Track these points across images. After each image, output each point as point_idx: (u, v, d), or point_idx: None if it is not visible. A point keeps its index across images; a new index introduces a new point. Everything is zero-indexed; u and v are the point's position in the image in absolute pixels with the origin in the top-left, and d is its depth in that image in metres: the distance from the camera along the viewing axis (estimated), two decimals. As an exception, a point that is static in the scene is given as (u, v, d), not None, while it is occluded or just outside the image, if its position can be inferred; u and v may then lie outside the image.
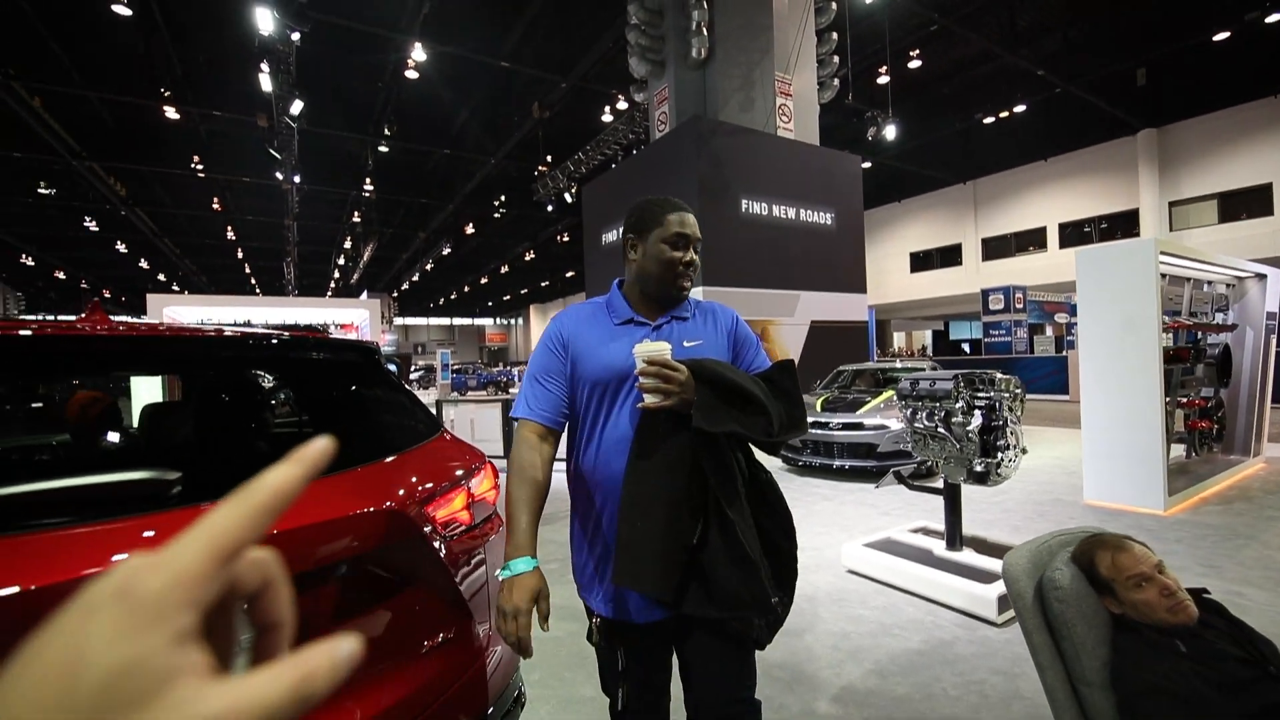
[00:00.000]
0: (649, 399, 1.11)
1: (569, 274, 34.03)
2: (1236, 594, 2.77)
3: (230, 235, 25.06)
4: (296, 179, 16.21)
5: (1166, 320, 4.32)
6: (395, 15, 11.25)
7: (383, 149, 16.99)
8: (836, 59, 9.25)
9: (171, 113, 14.19)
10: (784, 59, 8.59)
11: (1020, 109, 14.68)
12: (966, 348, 21.74)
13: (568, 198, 15.31)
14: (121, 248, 25.38)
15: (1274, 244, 14.10)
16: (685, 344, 1.23)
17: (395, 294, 36.29)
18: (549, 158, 16.93)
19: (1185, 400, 4.90)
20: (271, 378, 1.69)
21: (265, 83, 9.39)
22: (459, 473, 1.42)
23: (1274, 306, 5.33)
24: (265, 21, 7.63)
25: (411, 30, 11.39)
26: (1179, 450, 5.09)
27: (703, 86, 8.69)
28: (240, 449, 1.41)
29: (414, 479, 1.31)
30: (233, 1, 9.86)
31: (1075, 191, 17.07)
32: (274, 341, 1.35)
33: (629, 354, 1.16)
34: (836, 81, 9.25)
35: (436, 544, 1.28)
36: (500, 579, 1.06)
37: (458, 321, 50.83)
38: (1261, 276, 5.29)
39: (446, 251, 25.83)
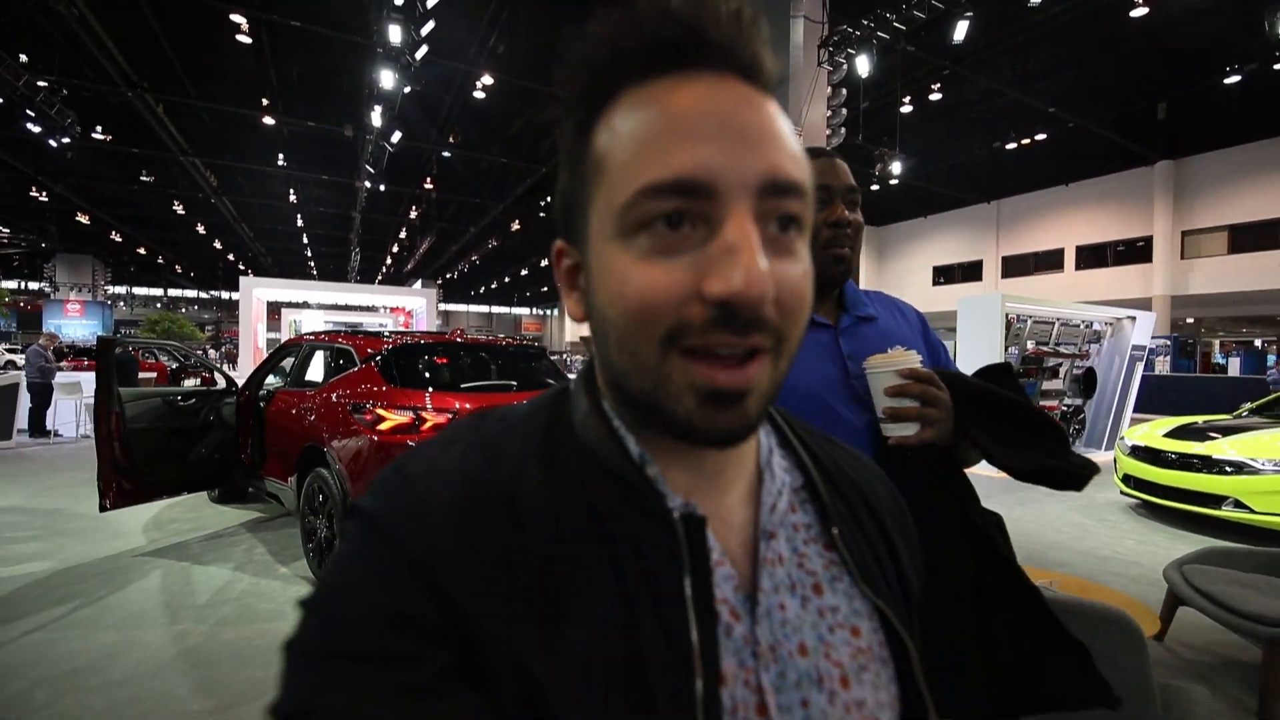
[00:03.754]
0: (896, 430, 0.80)
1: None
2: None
3: (299, 223, 28.48)
4: (368, 184, 19.06)
5: (1030, 348, 6.35)
6: (468, 46, 13.74)
7: (445, 154, 19.71)
8: (845, 110, 11.30)
9: (268, 120, 17.15)
10: (796, 112, 10.72)
11: (1041, 137, 16.24)
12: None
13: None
14: (201, 230, 29.11)
15: (1278, 277, 15.35)
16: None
17: (440, 281, 39.48)
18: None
19: (1044, 406, 6.91)
20: (500, 359, 4.03)
21: (376, 118, 11.97)
22: None
23: (1141, 341, 7.21)
24: (386, 79, 10.17)
25: (480, 60, 13.89)
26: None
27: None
28: (509, 378, 3.74)
29: None
30: (332, 27, 12.46)
31: (1093, 216, 18.42)
32: (506, 345, 3.74)
33: (832, 369, 0.88)
34: (844, 130, 11.29)
35: None
36: None
37: (496, 310, 54.05)
38: (1133, 318, 7.20)
39: (494, 244, 28.61)
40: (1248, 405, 5.48)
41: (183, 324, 26.79)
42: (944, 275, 22.46)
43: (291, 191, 24.03)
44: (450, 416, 3.06)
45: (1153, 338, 16.50)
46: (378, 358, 3.31)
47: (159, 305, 41.77)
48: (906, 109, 14.77)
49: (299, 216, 27.46)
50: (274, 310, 21.37)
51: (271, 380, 4.38)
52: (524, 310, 54.91)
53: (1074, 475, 0.81)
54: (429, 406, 3.07)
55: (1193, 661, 2.63)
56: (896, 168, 12.63)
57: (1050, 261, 19.38)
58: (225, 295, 41.23)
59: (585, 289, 0.36)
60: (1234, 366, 17.05)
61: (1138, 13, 10.85)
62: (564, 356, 32.66)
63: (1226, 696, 2.34)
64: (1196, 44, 12.60)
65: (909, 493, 0.74)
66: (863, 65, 9.50)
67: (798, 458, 0.42)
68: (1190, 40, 12.60)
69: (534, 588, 0.31)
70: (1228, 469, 4.25)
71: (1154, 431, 5.00)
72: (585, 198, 0.34)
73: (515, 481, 0.34)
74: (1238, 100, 13.83)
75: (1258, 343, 24.94)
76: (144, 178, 22.60)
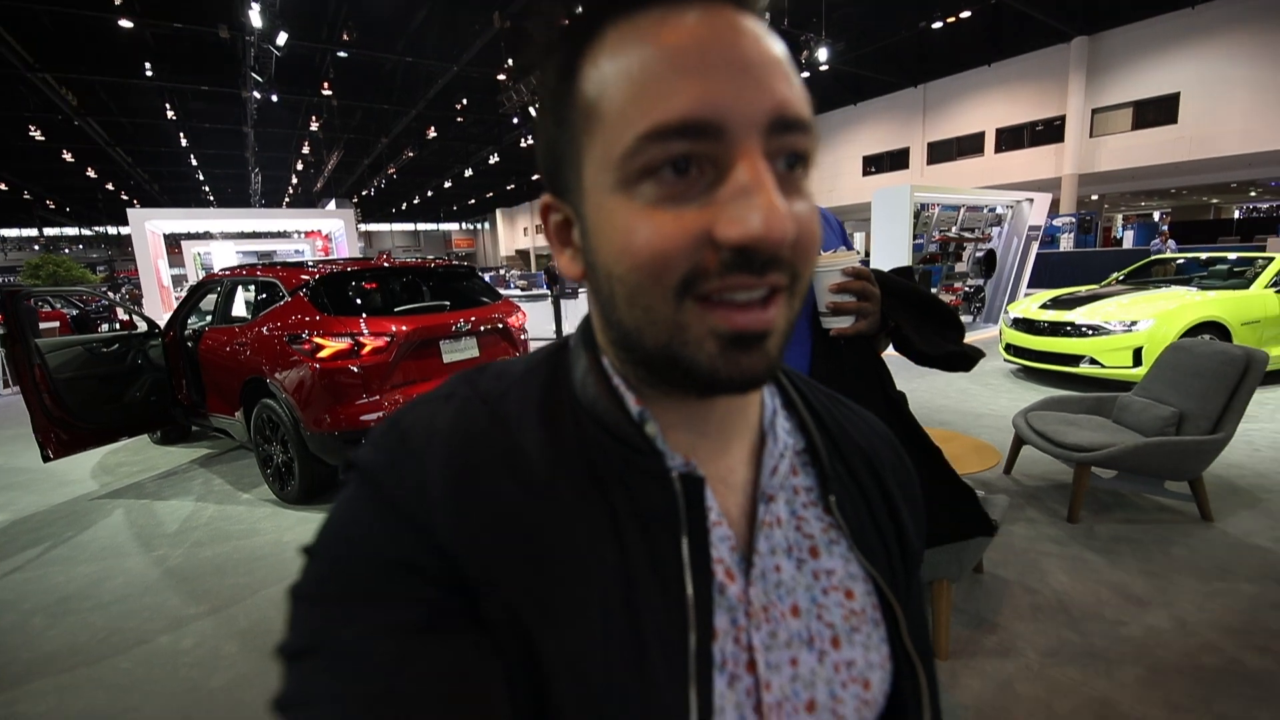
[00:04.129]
0: (839, 323, 0.93)
1: (534, 176, 35.03)
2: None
3: (183, 143, 25.64)
4: (257, 94, 17.22)
5: (937, 234, 6.88)
6: None
7: (341, 55, 17.89)
8: (766, -8, 10.98)
9: (124, 23, 14.98)
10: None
11: (965, 15, 16.20)
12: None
13: (532, 111, 16.71)
14: (69, 157, 25.85)
15: (1176, 151, 16.47)
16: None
17: (356, 200, 37.01)
18: (511, 64, 18.02)
19: (949, 286, 7.63)
20: (431, 281, 4.10)
21: (255, 18, 10.71)
22: (512, 312, 3.96)
23: (1037, 221, 7.89)
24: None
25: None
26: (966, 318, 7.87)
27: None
28: (441, 298, 3.78)
29: (499, 310, 3.80)
30: None
31: (1013, 97, 18.88)
32: (435, 266, 3.87)
33: None
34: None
35: (515, 326, 3.83)
36: None
37: (423, 227, 51.46)
38: (1030, 199, 7.82)
39: (409, 155, 26.80)
40: (1116, 275, 6.24)
41: (70, 266, 24.35)
42: (874, 165, 22.84)
43: (168, 107, 21.42)
44: (387, 339, 3.24)
45: (1058, 216, 17.68)
46: (306, 288, 3.38)
47: (35, 248, 37.60)
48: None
49: (182, 135, 24.70)
50: (173, 244, 19.78)
51: (192, 319, 4.35)
52: (453, 226, 52.53)
53: (967, 357, 1.01)
54: (365, 331, 3.23)
55: (1030, 487, 3.30)
56: (823, 53, 12.50)
57: (972, 146, 19.98)
58: (113, 230, 37.41)
59: (581, 245, 0.35)
60: (1128, 240, 18.62)
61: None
62: (500, 271, 31.94)
63: (1047, 509, 3.01)
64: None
65: (843, 376, 0.92)
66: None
67: (800, 419, 0.42)
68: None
69: (532, 542, 0.32)
70: (1086, 331, 4.97)
71: (1031, 304, 5.69)
72: (576, 148, 0.32)
73: (513, 437, 0.34)
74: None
75: (1156, 215, 27.07)
76: (-16, 100, 19.65)
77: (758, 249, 0.29)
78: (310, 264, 3.80)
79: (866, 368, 1.00)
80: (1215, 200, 25.29)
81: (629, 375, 0.37)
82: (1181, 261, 6.31)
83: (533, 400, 0.36)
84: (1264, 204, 25.80)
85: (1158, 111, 16.59)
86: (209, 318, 4.37)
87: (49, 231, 38.98)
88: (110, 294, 7.68)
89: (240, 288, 4.32)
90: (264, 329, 3.42)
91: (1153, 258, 6.53)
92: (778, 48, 0.31)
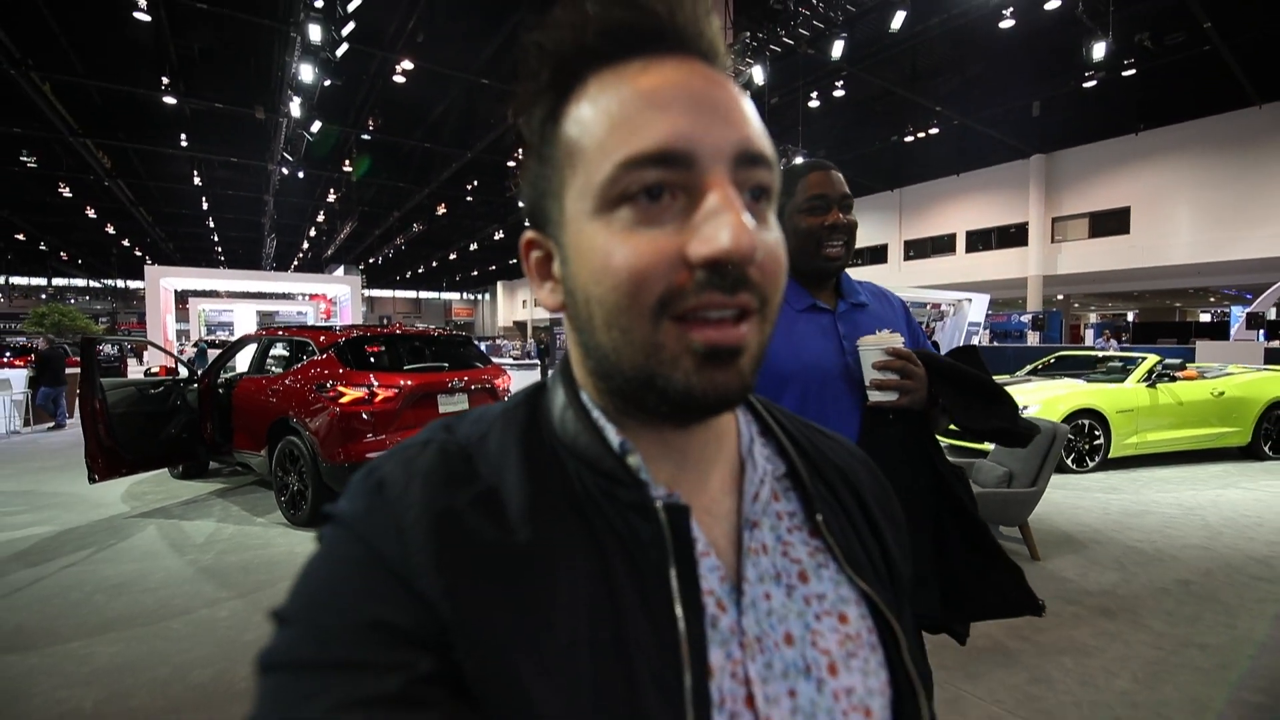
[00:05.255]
0: (879, 396, 1.05)
1: (537, 253, 36.90)
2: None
3: (204, 206, 27.44)
4: (284, 170, 18.92)
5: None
6: (386, 32, 14.04)
7: (364, 136, 19.77)
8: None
9: (169, 99, 16.69)
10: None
11: (934, 131, 18.27)
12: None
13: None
14: (92, 214, 27.52)
15: (1129, 258, 18.07)
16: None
17: (363, 266, 38.78)
18: (521, 154, 19.89)
19: None
20: (433, 346, 4.97)
21: (295, 109, 12.25)
22: (499, 375, 4.81)
23: (976, 318, 9.00)
24: (306, 73, 10.55)
25: (398, 45, 14.23)
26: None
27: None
28: (441, 360, 4.64)
29: (489, 374, 4.65)
30: (239, 8, 12.45)
31: (980, 203, 20.83)
32: (438, 334, 4.76)
33: (831, 346, 1.12)
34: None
35: (500, 387, 4.65)
36: None
37: (424, 295, 53.29)
38: (970, 299, 8.96)
39: (419, 228, 28.62)
40: (1029, 366, 7.20)
41: (75, 316, 25.43)
42: (857, 257, 24.64)
43: (195, 173, 23.23)
44: (396, 390, 4.08)
45: (1020, 314, 18.95)
46: (334, 347, 4.26)
47: (43, 296, 38.87)
48: (814, 103, 16.37)
49: (204, 200, 26.50)
50: (180, 299, 20.88)
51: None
52: (454, 295, 54.40)
53: (1019, 435, 1.10)
54: (376, 383, 4.07)
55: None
56: (800, 160, 14.05)
57: (945, 244, 21.74)
58: (120, 284, 38.89)
59: (561, 276, 0.37)
60: (1089, 337, 19.89)
61: (1005, 24, 12.65)
62: (496, 341, 33.16)
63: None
64: (1063, 47, 14.59)
65: (888, 444, 1.05)
66: (758, 74, 10.69)
67: (779, 445, 0.43)
68: (1058, 43, 14.60)
69: (516, 584, 0.31)
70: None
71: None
72: (558, 183, 0.35)
73: (493, 478, 0.34)
74: (1096, 101, 16.15)
75: (1130, 315, 28.77)
76: (24, 158, 21.34)
77: (727, 264, 0.31)
78: (337, 329, 4.69)
79: (913, 442, 1.11)
80: (1178, 304, 27.00)
81: (608, 407, 0.37)
82: (1103, 357, 7.28)
83: (512, 440, 0.37)
84: (1227, 309, 27.50)
85: (1111, 222, 18.36)
86: (233, 370, 5.22)
87: (58, 281, 40.49)
88: (188, 348, 8.45)
89: (276, 345, 5.20)
90: (299, 377, 4.26)
91: (1060, 353, 7.52)
92: (742, 96, 0.35)
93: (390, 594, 0.30)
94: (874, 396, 1.05)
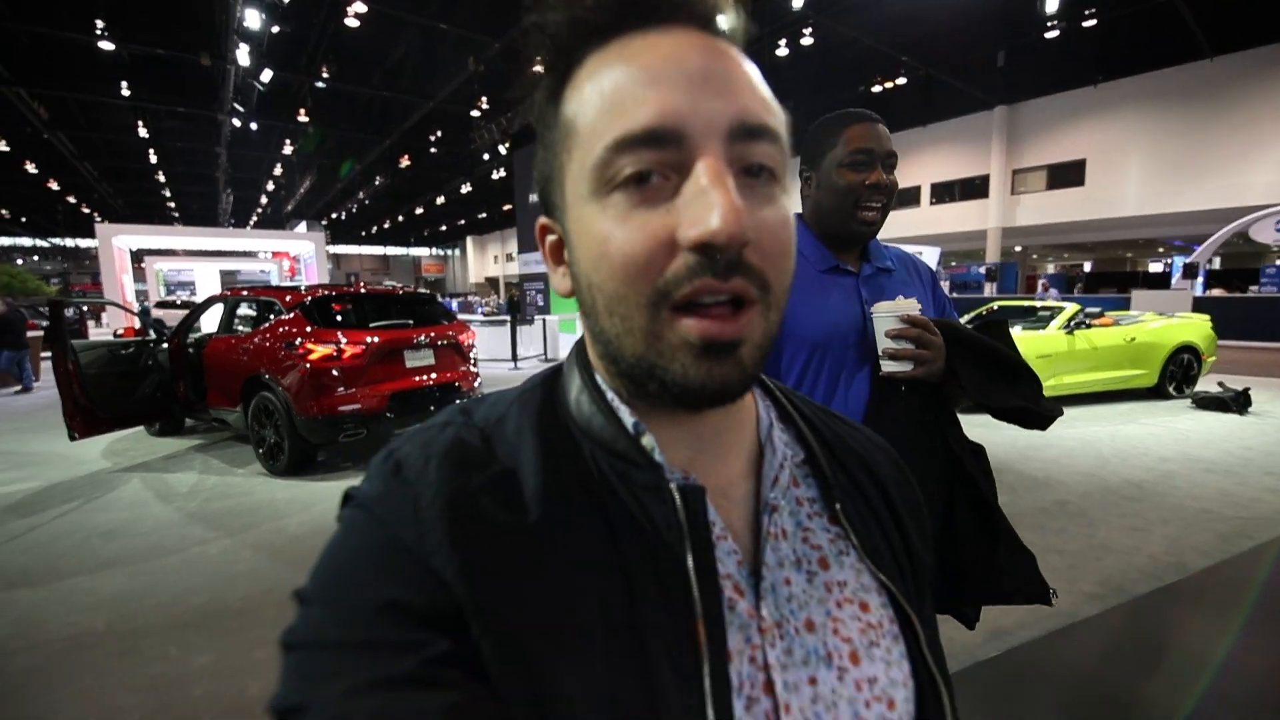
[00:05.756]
0: (892, 366, 0.99)
1: (506, 207, 36.40)
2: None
3: (153, 159, 26.26)
4: (236, 121, 18.20)
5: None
6: None
7: (318, 85, 19.03)
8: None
9: (106, 45, 15.78)
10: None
11: (901, 81, 18.33)
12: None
13: (501, 150, 18.02)
14: (32, 168, 26.15)
15: (1084, 210, 18.67)
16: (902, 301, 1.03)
17: (325, 222, 37.75)
18: (485, 104, 19.43)
19: None
20: (399, 304, 5.07)
21: (243, 56, 11.81)
22: (464, 331, 5.06)
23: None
24: (253, 19, 10.18)
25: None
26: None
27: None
28: (406, 317, 4.85)
29: (454, 329, 4.89)
30: None
31: (944, 156, 21.13)
32: (403, 293, 4.97)
33: (852, 311, 1.06)
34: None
35: (465, 343, 4.92)
36: None
37: (392, 251, 52.13)
38: (921, 252, 9.37)
39: (382, 181, 27.91)
40: (970, 314, 7.67)
41: (26, 278, 24.42)
42: (824, 210, 24.98)
43: (141, 124, 22.15)
44: (363, 347, 4.33)
45: (982, 266, 19.57)
46: (301, 306, 4.46)
47: (-15, 256, 37.11)
48: (783, 52, 16.30)
49: (151, 152, 25.34)
50: (136, 259, 20.26)
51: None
52: (423, 251, 53.32)
53: (1040, 416, 1.01)
54: (343, 341, 4.31)
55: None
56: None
57: (910, 197, 22.09)
58: (70, 243, 37.26)
59: (569, 261, 0.36)
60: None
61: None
62: (468, 298, 32.91)
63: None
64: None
65: (900, 418, 1.00)
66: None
67: (798, 431, 0.43)
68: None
69: (532, 567, 0.31)
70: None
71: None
72: (560, 166, 0.35)
73: (509, 461, 0.35)
74: (1058, 52, 16.36)
75: (1087, 266, 29.76)
76: (-51, 109, 20.07)
77: (716, 246, 0.30)
78: (302, 288, 4.87)
79: (928, 416, 1.04)
80: (1130, 255, 28.01)
81: (621, 389, 0.37)
82: (1039, 307, 7.79)
83: (528, 423, 0.37)
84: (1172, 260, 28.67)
85: (1068, 174, 18.87)
86: (201, 331, 5.38)
87: (2, 241, 38.59)
88: (151, 310, 8.40)
89: (243, 304, 5.36)
90: (268, 336, 4.47)
91: (999, 303, 8.03)
92: (744, 64, 0.34)
93: (406, 575, 0.31)
94: (886, 366, 1.00)
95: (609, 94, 0.32)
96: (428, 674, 0.28)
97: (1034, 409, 1.02)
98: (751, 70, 0.34)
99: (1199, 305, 11.41)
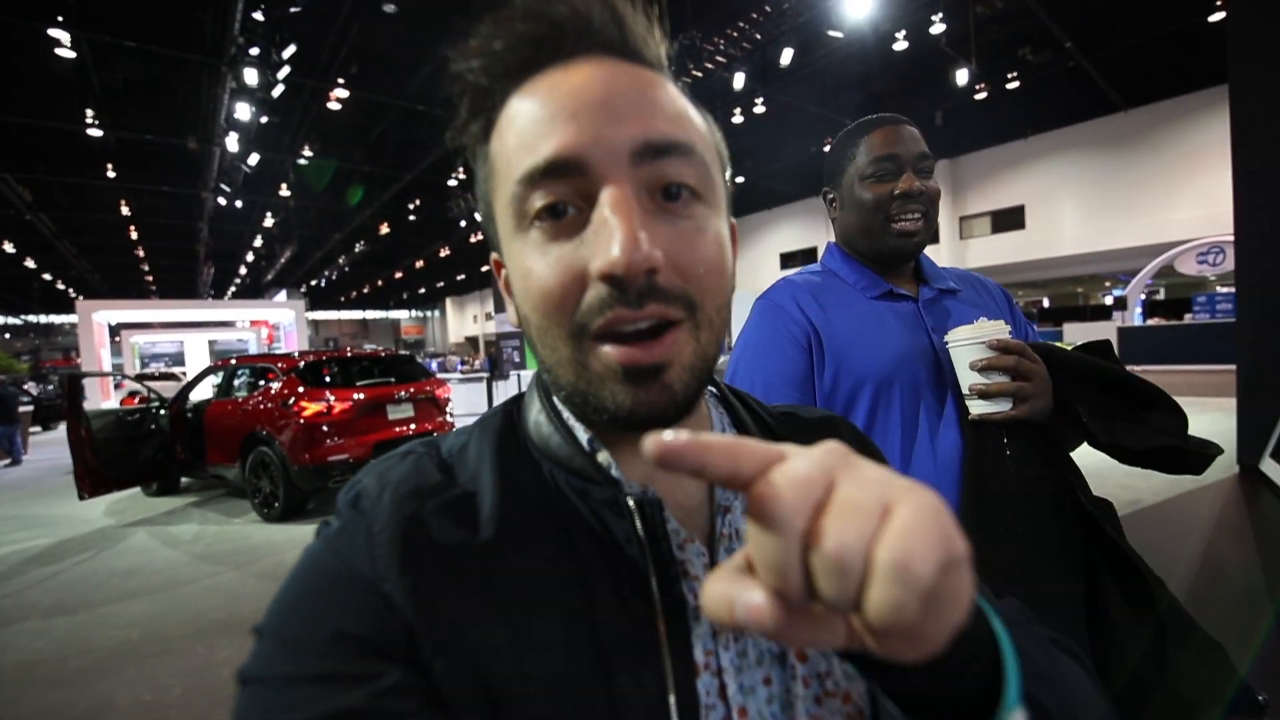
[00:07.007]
0: (984, 407, 0.80)
1: (484, 268, 37.53)
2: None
3: (133, 236, 27.06)
4: (222, 200, 19.16)
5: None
6: (318, 56, 14.60)
7: (300, 160, 20.17)
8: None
9: (94, 132, 16.73)
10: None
11: (849, 140, 20.01)
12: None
13: (478, 216, 19.03)
14: (9, 249, 26.76)
15: (1027, 250, 20.17)
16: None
17: (305, 289, 38.54)
18: (461, 173, 20.64)
19: None
20: (381, 365, 5.82)
21: (232, 144, 12.82)
22: (440, 386, 5.77)
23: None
24: (242, 111, 11.19)
25: (330, 72, 14.82)
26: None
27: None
28: (388, 376, 5.54)
29: (431, 385, 5.60)
30: (166, 44, 12.81)
31: (896, 206, 22.85)
32: (385, 355, 5.71)
33: (917, 342, 0.89)
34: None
35: (441, 397, 5.63)
36: None
37: (371, 315, 52.88)
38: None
39: (362, 248, 28.91)
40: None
41: (-1, 356, 24.73)
42: (789, 260, 26.35)
43: (124, 204, 23.04)
44: (351, 403, 5.01)
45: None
46: (294, 370, 5.16)
47: (-46, 336, 37.08)
48: (739, 120, 17.85)
49: (132, 229, 26.17)
50: (113, 332, 20.71)
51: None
52: (402, 313, 54.13)
53: (1192, 455, 0.78)
54: (333, 398, 4.99)
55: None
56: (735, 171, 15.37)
57: (868, 245, 23.60)
58: (42, 319, 37.49)
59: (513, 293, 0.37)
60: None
61: (899, 46, 14.27)
62: (447, 358, 33.57)
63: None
64: (952, 66, 16.44)
65: (1004, 475, 0.77)
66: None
67: (750, 435, 0.42)
68: (948, 61, 16.43)
69: (486, 585, 0.32)
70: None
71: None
72: (490, 203, 0.37)
73: (470, 484, 0.36)
74: (989, 110, 18.11)
75: (1045, 302, 31.45)
76: (-68, 194, 20.77)
77: (622, 277, 0.30)
78: (295, 355, 5.57)
79: (1045, 468, 0.83)
80: (1080, 290, 29.79)
81: (575, 411, 0.38)
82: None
83: (488, 446, 0.38)
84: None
85: (1010, 219, 20.47)
86: (195, 397, 6.04)
87: (-28, 320, 38.76)
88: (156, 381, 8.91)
89: (240, 371, 6.04)
90: (266, 397, 5.13)
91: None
92: (654, 84, 0.34)
93: (357, 604, 0.31)
94: (976, 408, 0.83)
95: (519, 131, 0.34)
96: (379, 705, 0.28)
97: (1182, 447, 0.80)
98: (663, 89, 0.35)
99: (1126, 334, 12.49)
